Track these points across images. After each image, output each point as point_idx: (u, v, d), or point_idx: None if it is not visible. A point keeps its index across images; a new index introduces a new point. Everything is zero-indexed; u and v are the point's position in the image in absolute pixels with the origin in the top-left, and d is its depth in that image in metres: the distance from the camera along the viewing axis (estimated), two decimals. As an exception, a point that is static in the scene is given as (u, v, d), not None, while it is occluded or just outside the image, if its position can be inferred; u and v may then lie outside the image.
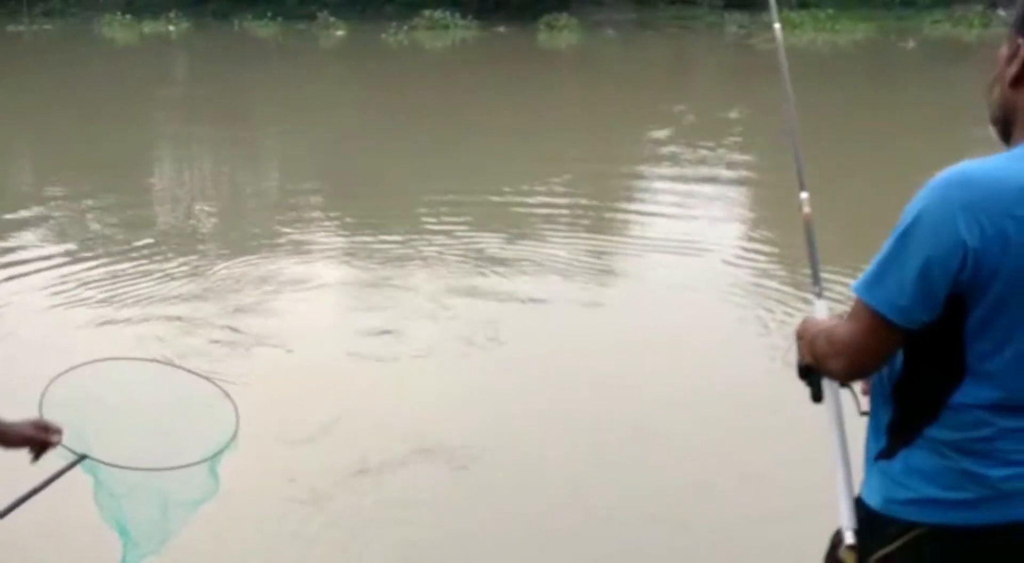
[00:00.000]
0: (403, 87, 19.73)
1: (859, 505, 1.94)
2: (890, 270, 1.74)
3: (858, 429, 2.03)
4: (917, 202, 1.72)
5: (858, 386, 2.06)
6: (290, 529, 3.93)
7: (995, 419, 1.78)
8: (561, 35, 32.45)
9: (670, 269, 7.69)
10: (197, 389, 2.83)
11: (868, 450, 1.94)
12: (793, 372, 2.06)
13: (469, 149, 12.99)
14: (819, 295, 2.18)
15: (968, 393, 1.78)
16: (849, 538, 1.88)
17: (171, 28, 34.81)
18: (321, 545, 3.84)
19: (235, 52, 28.97)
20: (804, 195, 2.32)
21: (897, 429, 1.87)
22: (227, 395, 2.76)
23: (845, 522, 1.90)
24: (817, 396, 2.02)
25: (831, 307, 2.20)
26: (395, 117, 15.82)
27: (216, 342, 5.92)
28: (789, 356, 2.17)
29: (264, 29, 34.68)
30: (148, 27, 34.79)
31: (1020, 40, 1.78)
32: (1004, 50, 1.81)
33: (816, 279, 2.22)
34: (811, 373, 2.02)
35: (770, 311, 6.48)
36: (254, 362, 5.66)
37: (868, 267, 1.79)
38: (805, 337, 2.03)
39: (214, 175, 12.64)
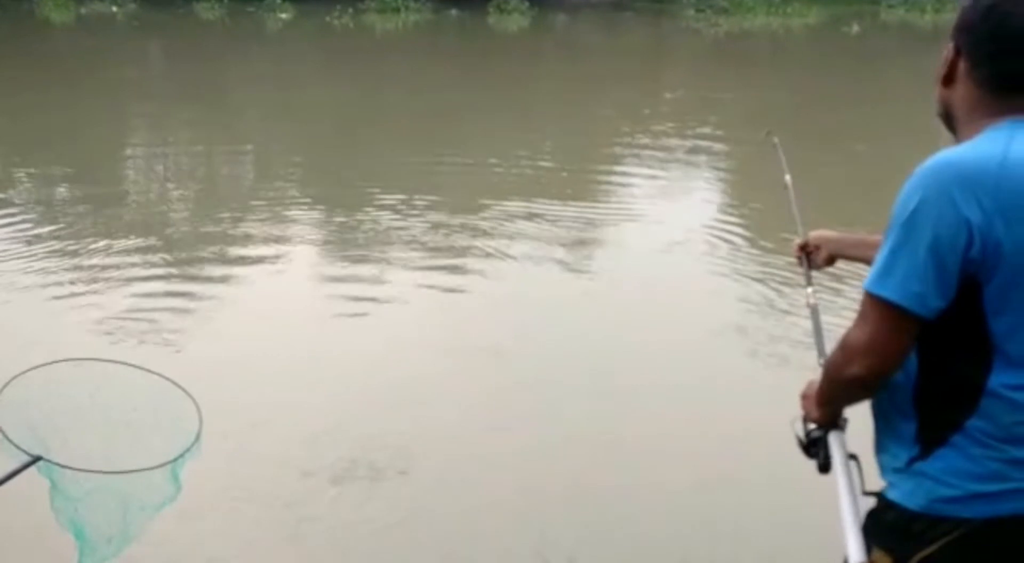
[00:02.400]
0: (358, 69, 19.43)
1: (888, 506, 1.91)
2: (899, 259, 1.75)
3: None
4: (911, 191, 1.76)
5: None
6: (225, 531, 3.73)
7: None
8: (511, 18, 32.15)
9: (642, 241, 7.77)
10: (160, 390, 2.73)
11: (889, 461, 1.92)
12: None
13: (429, 130, 12.86)
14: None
15: (1003, 375, 1.77)
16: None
17: (115, 9, 33.82)
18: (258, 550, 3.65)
19: (183, 35, 28.27)
20: (810, 289, 2.58)
21: (928, 431, 1.85)
22: (191, 397, 2.68)
23: (854, 556, 1.83)
24: (825, 467, 2.01)
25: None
26: (352, 99, 15.56)
27: (172, 330, 5.76)
28: (796, 426, 2.09)
29: (210, 11, 33.88)
30: (86, 8, 33.76)
31: (950, 43, 1.90)
32: (944, 50, 1.93)
33: (821, 352, 2.27)
34: (816, 444, 2.02)
35: (753, 277, 6.59)
36: (204, 351, 5.47)
37: (874, 265, 1.80)
38: (809, 393, 2.04)
39: (172, 160, 12.19)
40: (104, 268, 6.88)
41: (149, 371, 2.75)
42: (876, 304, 1.78)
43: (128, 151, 12.16)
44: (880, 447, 1.97)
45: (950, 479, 1.82)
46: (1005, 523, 1.81)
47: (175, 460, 2.56)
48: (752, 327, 5.82)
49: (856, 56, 23.14)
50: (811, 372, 2.15)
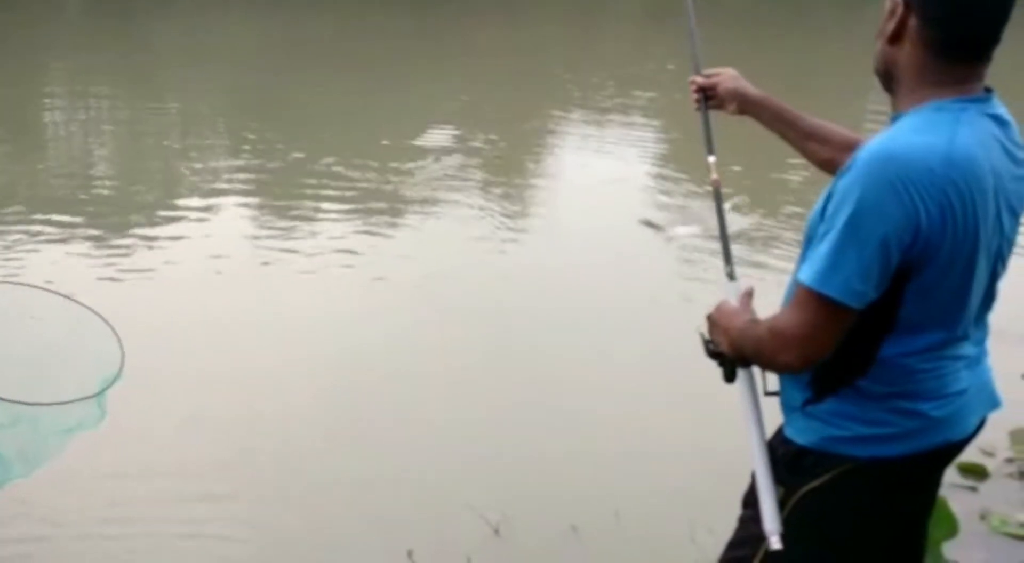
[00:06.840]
0: (276, 14, 18.81)
1: (783, 442, 1.99)
2: (845, 257, 1.71)
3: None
4: (854, 184, 1.70)
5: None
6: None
7: (923, 364, 1.84)
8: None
9: (578, 182, 7.79)
10: (81, 322, 2.68)
11: (787, 400, 1.99)
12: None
13: (355, 78, 12.48)
14: (731, 276, 2.12)
15: (895, 346, 1.82)
16: (775, 543, 1.89)
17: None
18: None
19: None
20: (712, 159, 2.27)
21: (822, 382, 1.90)
22: (111, 328, 2.63)
23: (769, 526, 1.90)
24: (730, 376, 2.03)
25: (739, 287, 2.10)
26: (274, 43, 15.14)
27: (110, 295, 5.46)
28: (704, 330, 2.07)
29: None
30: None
31: None
32: (887, 3, 1.81)
33: (728, 258, 2.15)
34: (720, 356, 2.02)
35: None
36: (128, 309, 5.09)
37: (814, 257, 1.75)
38: (721, 325, 2.01)
39: (93, 111, 11.64)
40: (21, 229, 6.57)
41: (67, 296, 2.68)
42: (816, 298, 1.76)
43: (46, 100, 11.57)
44: (780, 386, 2.02)
45: (839, 421, 1.90)
46: (888, 462, 1.90)
47: (99, 393, 2.51)
48: (677, 264, 5.84)
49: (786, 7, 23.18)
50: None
